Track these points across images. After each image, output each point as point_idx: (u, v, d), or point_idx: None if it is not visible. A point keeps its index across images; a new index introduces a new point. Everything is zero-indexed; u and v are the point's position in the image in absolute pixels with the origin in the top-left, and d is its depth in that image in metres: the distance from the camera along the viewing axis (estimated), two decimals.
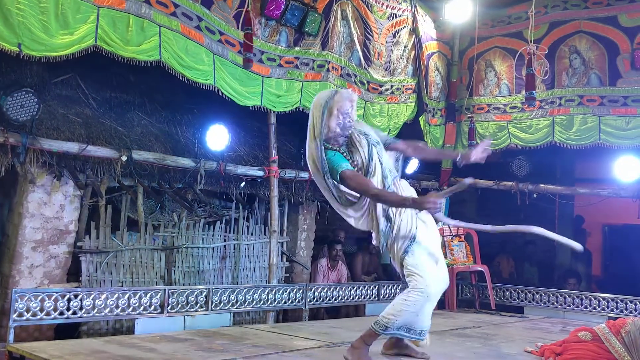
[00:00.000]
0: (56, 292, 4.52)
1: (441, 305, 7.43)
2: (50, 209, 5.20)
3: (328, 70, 6.44)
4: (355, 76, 6.84)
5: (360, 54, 6.86)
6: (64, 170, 5.21)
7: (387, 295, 6.84)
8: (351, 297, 6.52)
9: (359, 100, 6.87)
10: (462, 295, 7.54)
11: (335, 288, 6.41)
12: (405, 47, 7.46)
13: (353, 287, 6.58)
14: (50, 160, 5.04)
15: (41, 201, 5.14)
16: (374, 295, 6.72)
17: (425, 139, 7.80)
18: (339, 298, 6.39)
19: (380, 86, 7.20)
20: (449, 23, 7.81)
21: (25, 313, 4.31)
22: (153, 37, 4.90)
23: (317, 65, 6.34)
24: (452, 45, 8.08)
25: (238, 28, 5.59)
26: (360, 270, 7.99)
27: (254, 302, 5.66)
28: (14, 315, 4.26)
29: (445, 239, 7.44)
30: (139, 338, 4.56)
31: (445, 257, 7.30)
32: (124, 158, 5.33)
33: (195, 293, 5.24)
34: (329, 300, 6.29)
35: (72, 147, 5.09)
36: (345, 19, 6.63)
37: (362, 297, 6.62)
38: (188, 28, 5.17)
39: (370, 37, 6.97)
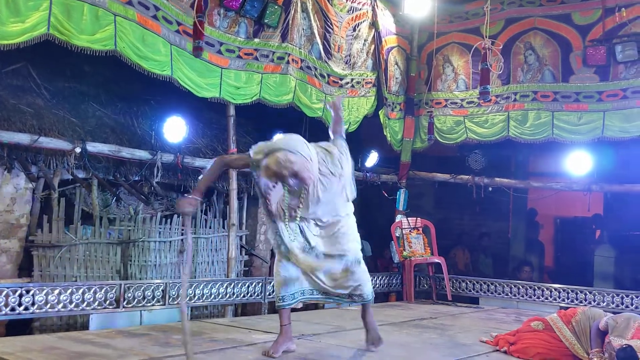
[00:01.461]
0: (7, 288, 4.38)
1: (399, 296, 7.55)
2: (0, 202, 5.03)
3: (288, 62, 6.41)
4: (316, 69, 6.83)
5: (321, 46, 6.85)
6: (14, 162, 5.05)
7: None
8: None
9: (319, 94, 6.87)
10: (420, 286, 7.66)
11: None
12: (365, 40, 7.49)
13: None
14: (0, 152, 4.88)
15: None
16: None
17: (385, 133, 7.87)
18: None
19: (341, 79, 7.21)
20: (408, 18, 7.87)
21: None
22: (108, 26, 4.78)
23: (276, 58, 6.30)
24: (411, 39, 8.15)
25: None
26: None
27: (212, 296, 5.61)
28: None
29: (403, 232, 7.54)
30: (94, 334, 4.47)
31: (404, 250, 7.45)
32: (78, 150, 5.20)
33: (152, 287, 5.16)
34: None
35: (24, 138, 4.93)
36: (305, 11, 6.60)
37: None
38: (144, 17, 5.06)
39: (330, 30, 6.97)
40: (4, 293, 4.31)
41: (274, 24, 6.17)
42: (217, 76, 5.76)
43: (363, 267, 4.03)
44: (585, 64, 7.08)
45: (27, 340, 4.20)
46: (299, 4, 6.50)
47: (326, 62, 6.96)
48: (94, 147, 5.35)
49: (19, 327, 4.98)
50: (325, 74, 6.99)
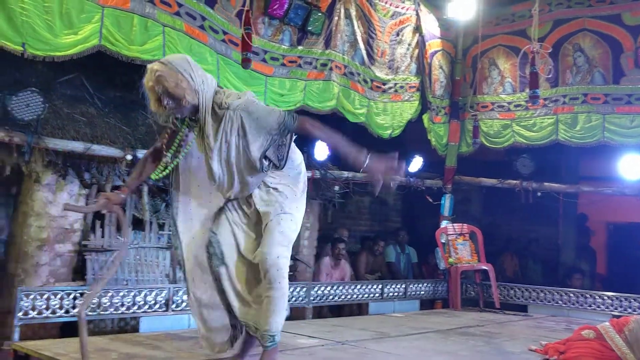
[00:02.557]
0: (62, 291, 4.54)
1: (445, 304, 7.46)
2: (55, 207, 5.22)
3: (331, 69, 6.45)
4: (359, 74, 6.84)
5: (364, 52, 6.86)
6: (69, 169, 5.22)
7: (391, 293, 6.85)
8: (355, 296, 6.52)
9: (362, 99, 6.88)
10: (466, 294, 7.54)
11: (339, 286, 6.41)
12: (409, 45, 7.46)
13: (356, 286, 6.59)
14: (55, 159, 5.06)
15: (46, 200, 5.16)
16: (377, 294, 6.73)
17: (429, 137, 7.81)
18: (343, 296, 6.39)
19: (384, 84, 7.20)
20: (453, 21, 7.80)
21: (31, 311, 4.33)
22: (157, 37, 4.92)
23: (320, 64, 6.35)
24: (456, 43, 8.07)
25: (241, 27, 5.60)
26: (364, 269, 7.99)
27: None
28: (20, 314, 4.28)
29: (449, 238, 7.45)
30: (144, 336, 4.58)
31: (450, 256, 7.36)
32: (129, 157, 5.34)
33: None
34: (333, 298, 6.29)
35: (77, 146, 5.11)
36: (348, 18, 6.63)
37: (366, 295, 6.62)
38: (192, 27, 5.19)
39: (373, 35, 6.97)
40: (58, 296, 4.47)
41: (318, 31, 6.22)
42: (262, 84, 5.84)
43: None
44: (637, 65, 6.87)
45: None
46: (342, 11, 6.53)
47: (369, 67, 6.96)
48: (143, 154, 5.48)
49: (73, 329, 5.14)
50: (369, 79, 7.00)
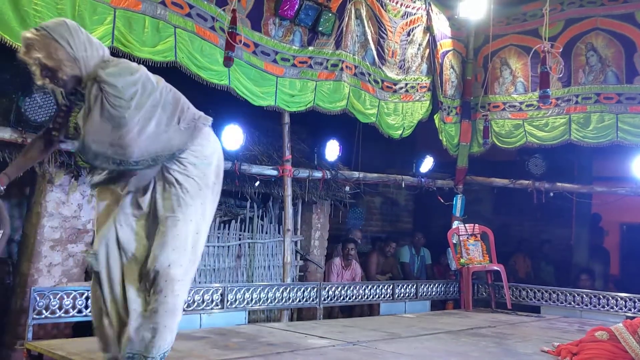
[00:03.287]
0: (75, 291, 4.58)
1: (457, 304, 7.43)
2: (68, 208, 5.26)
3: (342, 69, 6.45)
4: (369, 75, 6.84)
5: (374, 52, 6.85)
6: (81, 170, 5.26)
7: (402, 294, 6.83)
8: (365, 296, 6.51)
9: (373, 99, 6.88)
10: (478, 294, 7.51)
11: (350, 287, 6.41)
12: (419, 45, 7.44)
13: (367, 286, 6.58)
14: (68, 160, 5.10)
15: (59, 200, 5.21)
16: (388, 295, 6.72)
17: (440, 137, 7.79)
18: (354, 297, 6.39)
19: (395, 84, 7.19)
20: (464, 21, 7.77)
21: (44, 311, 4.37)
22: (169, 38, 4.94)
23: (330, 65, 6.36)
24: (467, 43, 8.04)
25: (253, 29, 5.62)
26: (375, 270, 7.98)
27: (269, 300, 5.69)
28: (33, 314, 4.32)
29: (460, 238, 7.42)
30: None
31: (461, 257, 7.33)
32: None
33: (211, 291, 5.28)
34: (343, 299, 6.29)
35: None
36: (359, 18, 6.63)
37: (377, 296, 6.61)
38: (203, 29, 5.21)
39: (384, 35, 6.96)
40: (71, 296, 4.51)
41: (328, 32, 6.22)
42: (273, 85, 5.86)
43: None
44: None
45: (92, 341, 4.34)
46: (353, 11, 6.53)
47: (380, 67, 6.95)
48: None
49: (85, 329, 5.18)
50: (379, 80, 6.99)
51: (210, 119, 3.02)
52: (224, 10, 5.37)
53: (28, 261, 5.12)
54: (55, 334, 4.97)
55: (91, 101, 2.63)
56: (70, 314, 4.52)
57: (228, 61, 5.15)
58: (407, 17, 7.25)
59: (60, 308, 4.45)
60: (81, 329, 5.14)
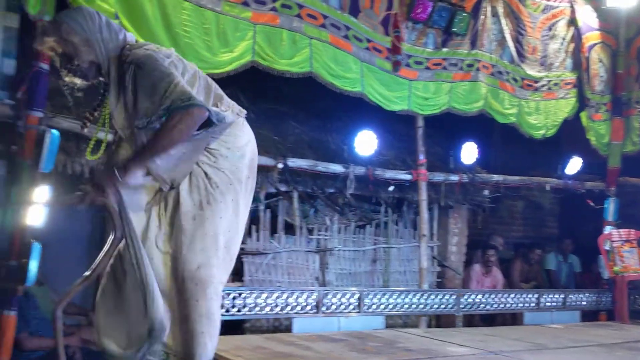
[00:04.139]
0: (222, 291, 4.88)
1: (610, 315, 6.88)
2: None
3: (478, 69, 6.28)
4: (508, 73, 6.59)
5: (513, 50, 6.58)
6: None
7: (548, 304, 6.47)
8: (508, 304, 6.25)
9: (512, 98, 6.61)
10: (635, 305, 6.90)
11: (491, 294, 6.19)
12: (563, 39, 7.03)
13: (510, 294, 6.32)
14: None
15: None
16: (533, 304, 6.39)
17: (588, 137, 7.27)
18: (495, 305, 6.16)
19: (536, 82, 6.84)
20: (613, 11, 7.20)
21: None
22: (304, 50, 5.12)
23: (466, 65, 6.22)
24: (617, 34, 7.44)
25: (385, 34, 5.66)
26: (518, 277, 7.63)
27: (406, 305, 5.66)
28: None
29: (614, 245, 6.89)
30: (296, 336, 4.78)
31: (615, 265, 6.78)
32: (280, 165, 5.62)
33: (348, 295, 5.36)
34: (484, 306, 6.09)
35: None
36: (495, 16, 6.42)
37: (520, 304, 6.32)
38: (337, 38, 5.33)
39: (523, 32, 6.67)
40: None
41: (463, 32, 6.10)
42: (406, 89, 5.85)
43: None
44: None
45: (240, 339, 4.63)
46: (489, 9, 6.34)
47: (519, 65, 6.67)
48: (293, 162, 5.74)
49: (233, 327, 5.50)
50: (519, 78, 6.70)
51: (244, 111, 2.82)
52: (357, 18, 5.46)
53: None
54: None
55: (128, 83, 2.44)
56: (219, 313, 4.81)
57: (397, 65, 5.24)
58: (548, 11, 6.88)
59: None
60: (229, 327, 5.47)
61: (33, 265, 3.71)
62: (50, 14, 3.91)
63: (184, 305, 2.50)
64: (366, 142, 6.08)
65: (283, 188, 6.00)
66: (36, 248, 3.70)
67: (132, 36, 2.66)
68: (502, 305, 6.21)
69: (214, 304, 2.56)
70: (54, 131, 3.87)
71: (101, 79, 2.60)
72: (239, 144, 2.67)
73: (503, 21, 6.47)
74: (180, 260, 2.48)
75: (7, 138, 4.02)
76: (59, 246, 4.66)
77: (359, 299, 5.38)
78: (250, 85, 6.22)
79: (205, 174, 2.55)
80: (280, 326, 5.72)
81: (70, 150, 4.55)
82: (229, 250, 2.65)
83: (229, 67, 4.76)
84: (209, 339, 2.55)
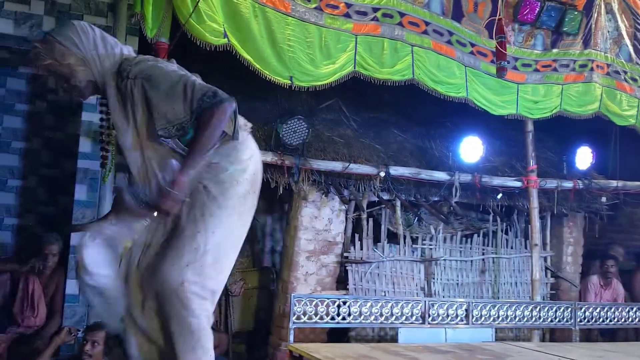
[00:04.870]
0: (327, 298, 4.95)
1: None
2: (320, 222, 5.71)
3: (592, 69, 5.94)
4: (625, 73, 6.17)
5: (631, 48, 6.16)
6: (330, 187, 5.68)
7: None
8: (630, 319, 5.83)
9: (631, 99, 6.18)
10: None
11: (611, 308, 5.80)
12: None
13: (632, 308, 5.87)
14: (318, 178, 5.55)
15: (312, 215, 5.69)
16: None
17: None
18: (615, 319, 5.77)
19: None
20: None
21: (302, 316, 4.81)
22: (406, 57, 5.09)
23: (578, 66, 5.90)
24: None
25: (490, 38, 5.50)
26: None
27: (517, 318, 5.44)
28: (293, 318, 4.78)
29: None
30: (402, 347, 4.73)
31: None
32: (382, 174, 5.61)
33: (455, 306, 5.24)
34: (603, 320, 5.72)
35: (337, 165, 5.53)
36: (610, 13, 6.04)
37: None
38: (439, 44, 5.26)
39: None
40: (325, 303, 4.88)
41: (574, 31, 5.80)
42: (513, 92, 5.65)
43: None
44: None
45: (345, 347, 4.67)
46: (603, 6, 5.98)
47: (638, 63, 6.22)
48: (395, 170, 5.71)
49: (338, 335, 5.55)
50: (638, 77, 6.26)
51: (250, 124, 2.63)
52: (460, 23, 5.36)
53: (288, 270, 5.68)
54: (312, 338, 5.41)
55: (138, 100, 2.33)
56: (325, 320, 4.89)
57: (501, 71, 5.13)
58: None
59: (315, 314, 4.85)
60: (335, 335, 5.53)
61: None
62: (165, 36, 4.19)
63: (170, 324, 2.35)
64: (472, 149, 5.93)
65: (385, 196, 5.98)
66: None
67: (129, 49, 2.53)
68: (623, 320, 5.80)
69: (201, 321, 2.36)
70: None
71: (98, 95, 2.53)
72: (242, 158, 2.52)
73: (619, 18, 6.08)
74: (163, 274, 2.32)
75: None
76: None
77: (467, 310, 5.24)
78: (352, 96, 6.28)
79: (204, 186, 2.41)
80: (385, 336, 5.69)
81: None
82: (217, 266, 2.42)
83: (331, 78, 4.84)
84: (203, 354, 2.38)
